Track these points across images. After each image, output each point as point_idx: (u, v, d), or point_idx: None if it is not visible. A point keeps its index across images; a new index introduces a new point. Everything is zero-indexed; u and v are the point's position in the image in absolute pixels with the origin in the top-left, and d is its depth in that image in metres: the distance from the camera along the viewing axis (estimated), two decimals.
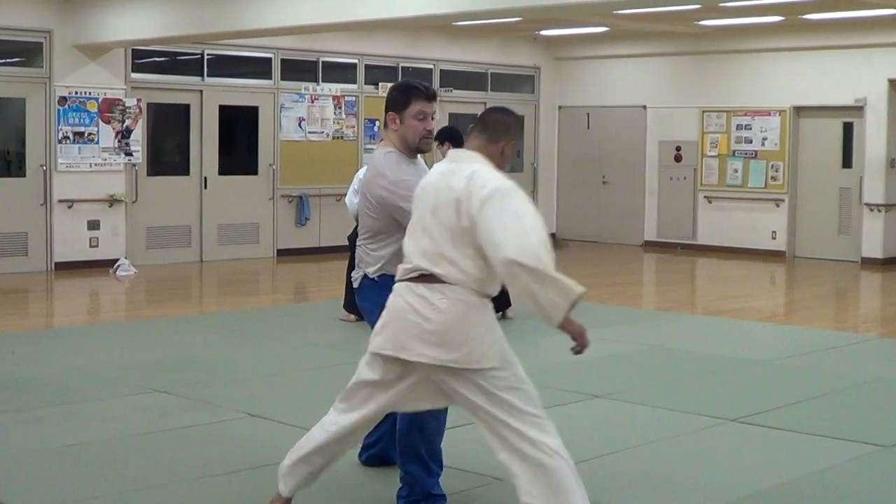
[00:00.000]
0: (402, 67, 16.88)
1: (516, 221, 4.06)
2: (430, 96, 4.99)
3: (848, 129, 15.98)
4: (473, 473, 5.31)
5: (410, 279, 4.30)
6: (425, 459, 4.83)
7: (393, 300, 4.37)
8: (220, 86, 15.20)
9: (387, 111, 5.02)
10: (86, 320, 11.13)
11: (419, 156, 5.10)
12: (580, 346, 4.16)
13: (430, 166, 4.81)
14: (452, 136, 10.41)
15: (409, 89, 5.00)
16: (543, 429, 4.20)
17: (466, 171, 4.24)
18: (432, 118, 4.99)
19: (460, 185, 4.19)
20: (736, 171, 16.82)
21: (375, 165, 5.01)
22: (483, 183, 4.16)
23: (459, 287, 4.21)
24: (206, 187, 15.13)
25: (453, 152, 4.44)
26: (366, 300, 5.05)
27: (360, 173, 10.44)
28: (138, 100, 14.34)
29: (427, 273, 4.25)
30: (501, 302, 10.22)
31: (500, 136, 4.35)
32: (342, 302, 10.05)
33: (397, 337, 4.27)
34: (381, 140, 5.16)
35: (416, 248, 4.31)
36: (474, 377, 4.21)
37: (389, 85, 18.33)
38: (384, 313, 4.38)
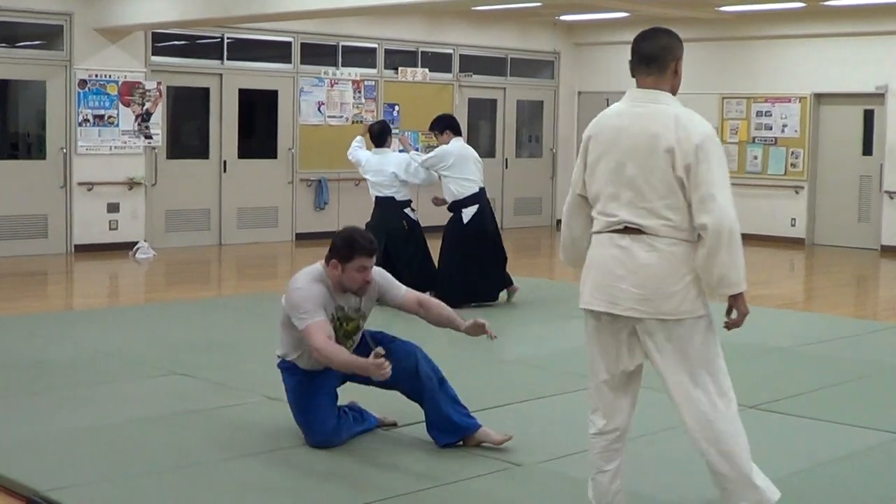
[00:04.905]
0: (422, 52, 16.85)
1: (716, 184, 3.96)
2: (372, 252, 5.40)
3: (869, 117, 15.90)
4: (495, 460, 5.30)
5: (615, 231, 4.11)
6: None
7: (596, 253, 4.19)
8: (239, 69, 15.22)
9: (330, 256, 5.38)
10: (105, 303, 11.18)
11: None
12: (737, 321, 4.10)
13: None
14: (452, 125, 10.43)
15: (352, 245, 5.36)
16: (723, 391, 4.14)
17: (667, 113, 4.07)
18: (370, 269, 5.44)
19: (668, 132, 4.00)
20: (755, 157, 16.76)
21: (300, 275, 5.44)
22: (693, 129, 4.00)
23: (666, 238, 4.04)
24: (225, 171, 15.16)
25: (631, 91, 4.26)
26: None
27: (362, 152, 10.50)
28: (158, 83, 14.37)
29: (633, 226, 4.07)
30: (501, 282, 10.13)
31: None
32: None
33: (604, 291, 4.13)
34: (323, 265, 5.46)
35: (617, 201, 4.10)
36: (676, 329, 4.06)
37: (409, 70, 18.23)
38: (587, 268, 4.23)
